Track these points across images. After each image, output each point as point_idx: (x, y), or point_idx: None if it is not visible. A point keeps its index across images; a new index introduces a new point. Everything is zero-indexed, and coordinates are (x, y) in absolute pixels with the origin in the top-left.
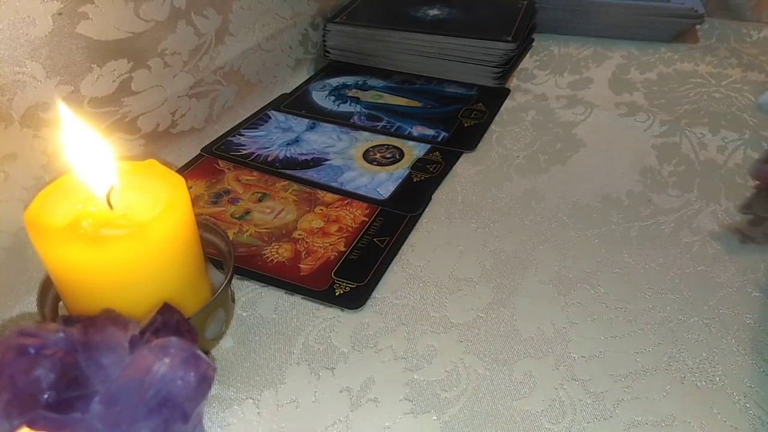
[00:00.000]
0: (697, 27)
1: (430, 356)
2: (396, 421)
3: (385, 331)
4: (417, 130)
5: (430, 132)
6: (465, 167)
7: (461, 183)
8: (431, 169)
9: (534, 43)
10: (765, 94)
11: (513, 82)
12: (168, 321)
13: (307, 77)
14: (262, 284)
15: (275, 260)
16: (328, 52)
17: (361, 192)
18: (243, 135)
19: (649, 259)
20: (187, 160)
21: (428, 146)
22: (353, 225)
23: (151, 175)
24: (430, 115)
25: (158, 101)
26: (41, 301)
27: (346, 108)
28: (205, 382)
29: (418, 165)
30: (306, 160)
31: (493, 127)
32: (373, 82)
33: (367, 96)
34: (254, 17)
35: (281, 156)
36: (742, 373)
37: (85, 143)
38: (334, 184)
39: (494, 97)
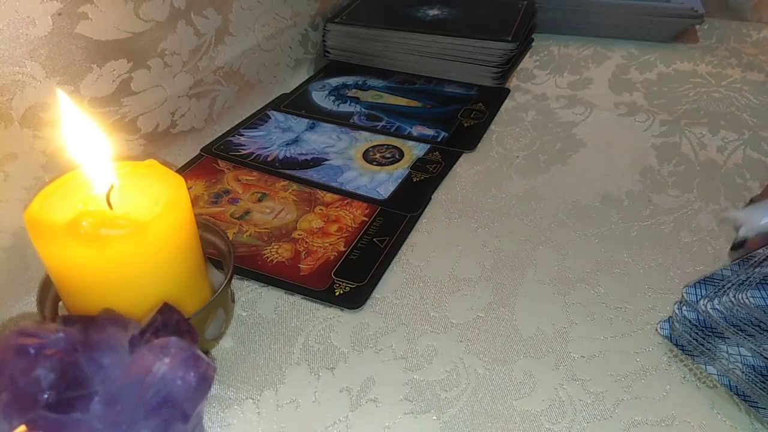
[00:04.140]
0: (697, 27)
1: (430, 356)
2: (396, 421)
3: (385, 331)
4: (417, 130)
5: (429, 132)
6: (465, 167)
7: (461, 183)
8: (431, 169)
9: (534, 43)
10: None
11: (513, 82)
12: (168, 321)
13: (307, 77)
14: (262, 284)
15: (275, 260)
16: (328, 52)
17: (360, 192)
18: (243, 135)
19: (649, 259)
20: (187, 160)
21: (428, 146)
22: (353, 225)
23: (151, 175)
24: (429, 115)
25: (158, 101)
26: (41, 301)
27: (345, 108)
28: (205, 382)
29: (418, 165)
30: (306, 160)
31: (492, 127)
32: (373, 82)
33: (367, 96)
34: (254, 17)
35: (281, 156)
36: None
37: (87, 137)
38: (333, 184)
39: (494, 97)
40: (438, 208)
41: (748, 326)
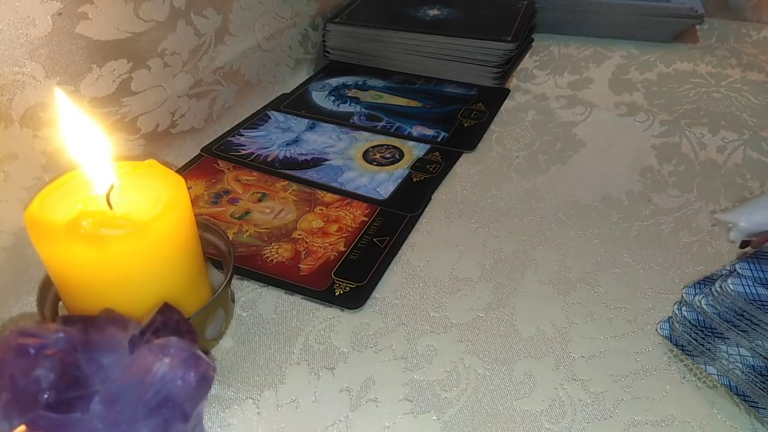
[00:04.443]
0: (697, 27)
1: (430, 356)
2: (396, 421)
3: (385, 331)
4: (417, 130)
5: (429, 132)
6: (465, 167)
7: (461, 183)
8: (431, 169)
9: (534, 43)
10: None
11: (513, 82)
12: (168, 321)
13: (307, 77)
14: (262, 284)
15: (275, 260)
16: (328, 52)
17: (360, 192)
18: (243, 135)
19: (649, 259)
20: (187, 160)
21: (428, 146)
22: (353, 225)
23: (151, 175)
24: (429, 115)
25: (158, 101)
26: (41, 301)
27: (345, 108)
28: (205, 382)
29: (418, 165)
30: (306, 160)
31: (492, 127)
32: (372, 82)
33: (367, 96)
34: (254, 17)
35: (281, 156)
36: None
37: (87, 137)
38: (333, 184)
39: (494, 97)
40: (438, 208)
41: (741, 321)
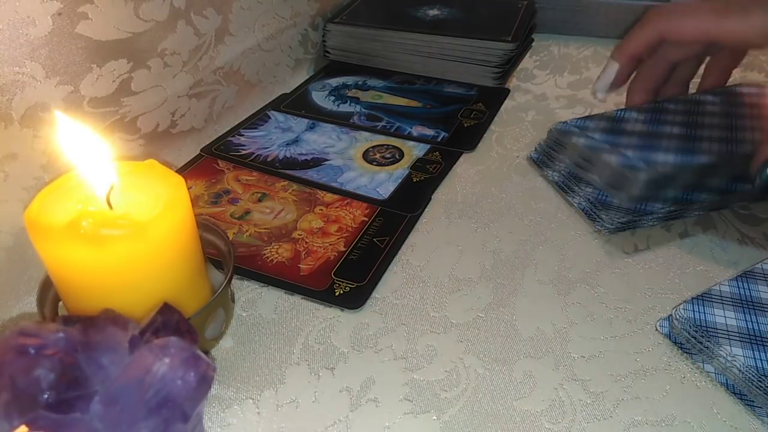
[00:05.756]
0: None
1: (430, 356)
2: (396, 421)
3: (385, 331)
4: (417, 130)
5: (429, 132)
6: (465, 167)
7: (461, 183)
8: (431, 169)
9: (534, 43)
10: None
11: (513, 82)
12: (168, 321)
13: (307, 77)
14: (262, 284)
15: (275, 260)
16: (328, 52)
17: (360, 192)
18: (243, 135)
19: (649, 259)
20: (187, 160)
21: (428, 146)
22: (353, 225)
23: (151, 175)
24: (429, 115)
25: (158, 101)
26: (41, 301)
27: (345, 108)
28: (205, 382)
29: (418, 165)
30: (306, 160)
31: (492, 127)
32: (373, 82)
33: (367, 96)
34: (254, 17)
35: (281, 156)
36: None
37: (84, 144)
38: (333, 184)
39: (494, 97)
40: (438, 208)
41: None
